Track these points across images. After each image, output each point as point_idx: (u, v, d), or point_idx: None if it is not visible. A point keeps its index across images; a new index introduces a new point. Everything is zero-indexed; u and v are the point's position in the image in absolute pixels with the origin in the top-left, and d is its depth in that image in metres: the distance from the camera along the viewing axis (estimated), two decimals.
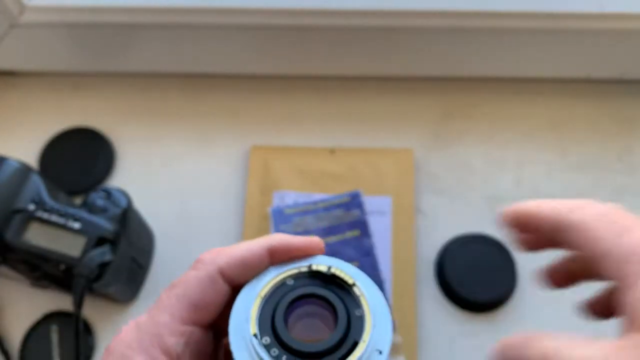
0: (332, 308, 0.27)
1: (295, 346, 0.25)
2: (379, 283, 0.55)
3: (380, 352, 0.25)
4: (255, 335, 0.25)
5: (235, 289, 0.28)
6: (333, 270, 0.27)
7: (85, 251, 0.48)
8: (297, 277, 0.27)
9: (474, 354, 0.55)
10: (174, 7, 0.58)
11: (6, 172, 0.49)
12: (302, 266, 0.28)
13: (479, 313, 0.56)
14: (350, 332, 0.26)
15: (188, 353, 0.26)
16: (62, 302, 0.57)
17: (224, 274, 0.27)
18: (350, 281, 0.27)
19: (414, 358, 0.54)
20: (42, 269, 0.50)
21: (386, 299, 0.54)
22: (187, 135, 0.65)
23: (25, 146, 0.64)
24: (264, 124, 0.66)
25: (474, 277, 0.57)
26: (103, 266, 0.49)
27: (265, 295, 0.26)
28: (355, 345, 0.25)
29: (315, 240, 0.28)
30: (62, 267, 0.49)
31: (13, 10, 0.59)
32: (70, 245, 0.49)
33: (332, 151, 0.63)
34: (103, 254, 0.48)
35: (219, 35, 0.61)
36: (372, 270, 0.56)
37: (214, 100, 0.67)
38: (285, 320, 0.26)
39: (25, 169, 0.51)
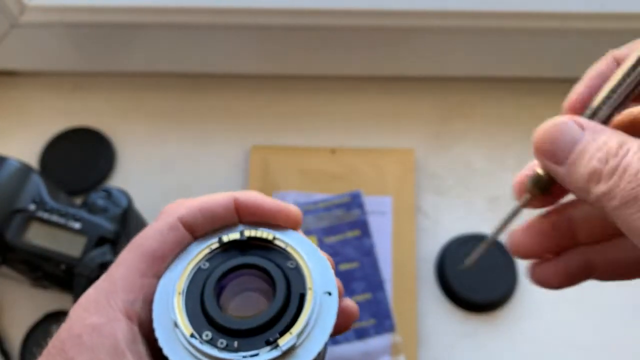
0: (262, 271, 0.24)
1: (240, 327, 0.22)
2: (380, 283, 0.55)
3: (330, 294, 0.23)
4: (192, 335, 0.22)
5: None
6: (247, 233, 0.24)
7: (86, 251, 0.48)
8: (210, 256, 0.24)
9: (474, 354, 0.55)
10: (174, 7, 0.58)
11: (7, 172, 0.49)
12: (212, 242, 0.25)
13: (479, 313, 0.56)
14: (292, 288, 0.23)
15: (148, 310, 0.24)
16: (62, 302, 0.57)
17: (184, 222, 0.25)
18: (269, 237, 0.24)
19: (414, 358, 0.54)
20: (43, 269, 0.50)
21: (386, 298, 0.55)
22: (187, 135, 0.65)
23: (25, 146, 0.64)
24: (264, 124, 0.65)
25: (475, 277, 0.57)
26: (103, 266, 0.48)
27: (183, 290, 0.23)
28: (303, 297, 0.23)
29: (293, 209, 0.25)
30: (63, 267, 0.49)
31: (13, 10, 0.59)
32: (70, 245, 0.49)
33: (332, 151, 0.63)
34: (103, 254, 0.48)
35: (219, 35, 0.61)
36: (372, 270, 0.56)
37: (214, 100, 0.67)
38: (219, 307, 0.23)
39: (25, 169, 0.51)
